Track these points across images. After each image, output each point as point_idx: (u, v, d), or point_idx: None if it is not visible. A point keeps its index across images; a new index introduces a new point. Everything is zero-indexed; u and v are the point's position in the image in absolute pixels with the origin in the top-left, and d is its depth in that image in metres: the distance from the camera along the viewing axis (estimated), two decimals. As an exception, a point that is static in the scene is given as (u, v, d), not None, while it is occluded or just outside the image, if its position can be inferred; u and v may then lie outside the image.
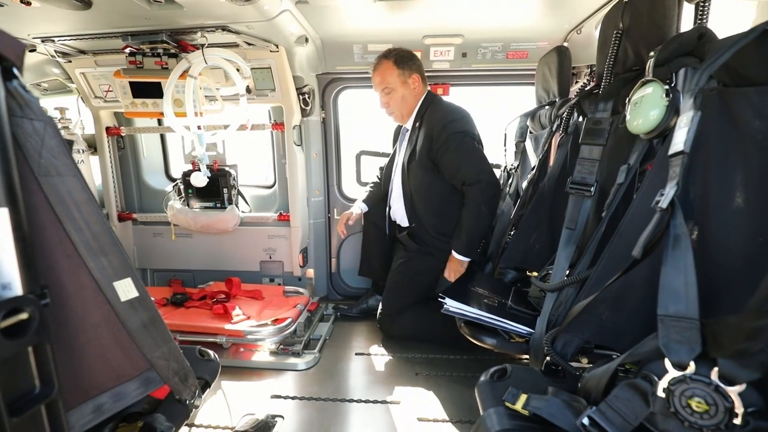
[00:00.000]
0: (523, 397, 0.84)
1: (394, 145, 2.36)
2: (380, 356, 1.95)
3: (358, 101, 2.79)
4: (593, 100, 1.33)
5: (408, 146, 2.07)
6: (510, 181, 2.09)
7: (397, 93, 1.99)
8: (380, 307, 2.17)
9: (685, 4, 1.05)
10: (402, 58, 1.96)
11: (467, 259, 1.95)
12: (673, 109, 0.90)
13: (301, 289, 2.50)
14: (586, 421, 0.74)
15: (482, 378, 1.01)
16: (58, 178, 0.65)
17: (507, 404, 0.84)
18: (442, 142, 1.89)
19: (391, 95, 2.00)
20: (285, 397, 1.62)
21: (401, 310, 2.08)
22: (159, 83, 1.96)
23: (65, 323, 0.72)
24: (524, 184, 1.81)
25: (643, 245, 0.77)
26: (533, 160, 1.90)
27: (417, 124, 2.02)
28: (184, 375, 0.95)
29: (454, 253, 1.96)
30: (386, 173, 2.34)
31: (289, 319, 2.03)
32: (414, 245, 2.08)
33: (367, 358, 1.94)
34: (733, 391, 0.64)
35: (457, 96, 2.47)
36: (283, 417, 1.50)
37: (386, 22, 1.98)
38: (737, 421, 0.63)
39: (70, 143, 2.19)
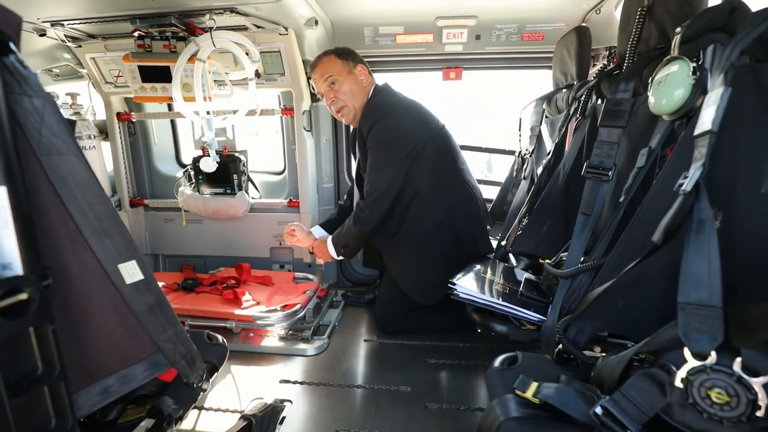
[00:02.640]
0: (534, 385, 0.82)
1: (352, 153, 2.18)
2: (390, 343, 1.95)
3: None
4: (613, 81, 1.27)
5: (360, 152, 1.93)
6: (524, 166, 2.04)
7: (343, 84, 1.80)
8: (377, 315, 2.09)
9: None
10: (344, 52, 1.84)
11: (334, 253, 1.93)
12: (700, 88, 0.85)
13: (310, 276, 2.50)
14: (599, 410, 0.71)
15: (492, 365, 0.99)
16: (59, 158, 0.64)
17: (517, 392, 0.82)
18: (370, 144, 1.79)
19: (338, 87, 1.80)
20: (294, 382, 1.63)
21: (400, 320, 2.01)
22: (168, 67, 1.95)
23: (70, 305, 0.72)
24: (539, 170, 1.76)
25: (665, 230, 0.73)
26: (549, 145, 1.84)
27: (361, 125, 1.85)
28: (191, 358, 0.95)
29: (329, 238, 1.94)
30: (351, 186, 2.23)
31: (299, 305, 2.03)
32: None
33: (377, 345, 1.94)
34: (758, 382, 0.61)
35: (470, 79, 2.41)
36: (291, 401, 1.51)
37: (398, 3, 1.92)
38: (760, 413, 0.60)
39: (72, 123, 2.19)
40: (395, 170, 1.76)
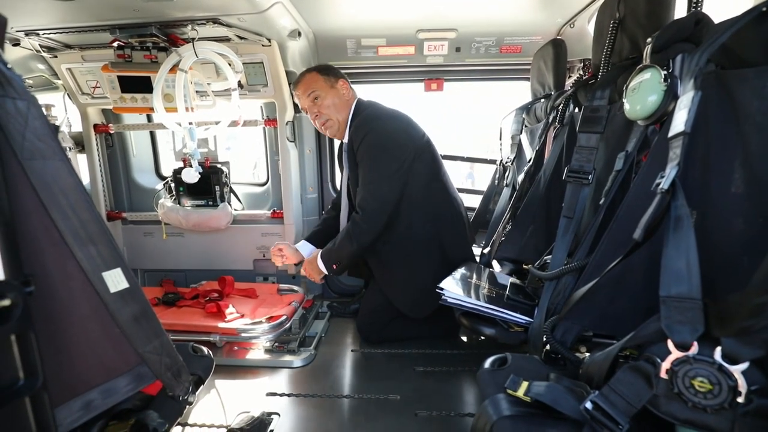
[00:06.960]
0: (525, 384, 0.83)
1: (339, 166, 2.20)
2: (377, 352, 1.93)
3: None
4: (590, 89, 1.33)
5: (347, 166, 1.95)
6: (506, 174, 2.09)
7: (326, 99, 1.84)
8: (360, 324, 2.07)
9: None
10: (325, 68, 1.90)
11: (325, 270, 1.85)
12: (671, 94, 0.89)
13: (295, 287, 2.46)
14: (589, 405, 0.73)
15: (483, 367, 1.00)
16: (43, 162, 0.63)
17: (509, 391, 0.83)
18: (361, 157, 1.77)
19: (320, 102, 1.84)
20: (281, 395, 1.60)
21: (382, 328, 2.01)
22: (148, 78, 1.92)
23: (52, 315, 0.69)
24: (520, 177, 1.80)
25: (645, 227, 0.77)
26: (529, 153, 1.90)
27: (352, 138, 1.84)
28: (177, 370, 0.93)
29: (319, 255, 1.86)
30: (337, 197, 2.23)
31: (284, 317, 2.00)
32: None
33: (364, 355, 1.92)
34: (737, 369, 0.63)
35: (451, 90, 2.47)
36: (279, 414, 1.47)
37: (380, 15, 1.96)
38: (740, 399, 0.63)
39: (56, 128, 2.13)
40: (389, 184, 1.75)
